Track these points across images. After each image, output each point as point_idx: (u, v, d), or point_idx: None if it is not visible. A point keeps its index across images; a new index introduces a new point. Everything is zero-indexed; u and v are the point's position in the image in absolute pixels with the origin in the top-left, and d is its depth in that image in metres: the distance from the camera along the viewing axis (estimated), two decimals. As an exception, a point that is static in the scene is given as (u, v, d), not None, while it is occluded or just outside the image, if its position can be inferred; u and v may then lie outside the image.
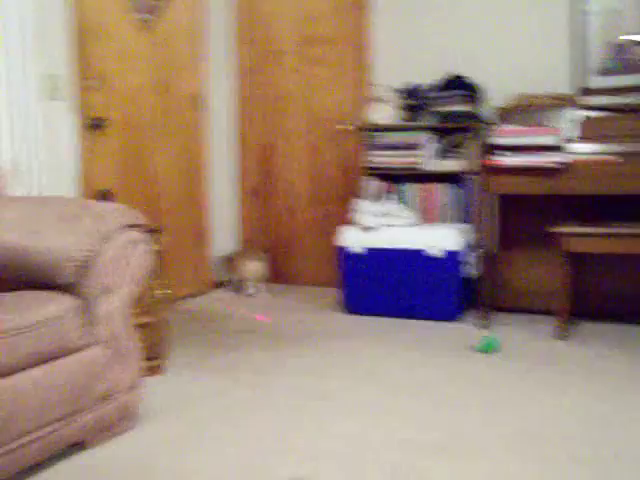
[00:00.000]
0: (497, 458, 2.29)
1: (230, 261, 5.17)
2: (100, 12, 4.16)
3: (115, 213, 2.47)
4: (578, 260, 4.06)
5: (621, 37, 4.26)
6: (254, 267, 5.02)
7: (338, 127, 5.08)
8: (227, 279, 5.22)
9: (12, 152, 3.45)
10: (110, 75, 4.26)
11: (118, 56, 4.32)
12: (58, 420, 2.24)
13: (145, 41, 4.53)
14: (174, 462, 2.31)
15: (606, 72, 4.32)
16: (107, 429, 2.47)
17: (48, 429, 2.20)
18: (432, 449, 2.36)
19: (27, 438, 2.12)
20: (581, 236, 3.64)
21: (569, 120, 4.16)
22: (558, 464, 2.23)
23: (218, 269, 5.30)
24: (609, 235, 3.59)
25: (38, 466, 2.26)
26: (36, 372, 2.17)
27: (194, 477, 2.21)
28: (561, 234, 3.66)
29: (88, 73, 4.09)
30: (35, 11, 3.61)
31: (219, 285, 5.26)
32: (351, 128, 5.08)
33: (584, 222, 3.82)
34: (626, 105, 4.07)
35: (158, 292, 3.23)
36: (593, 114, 4.10)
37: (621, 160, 3.66)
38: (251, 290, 5.00)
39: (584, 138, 3.92)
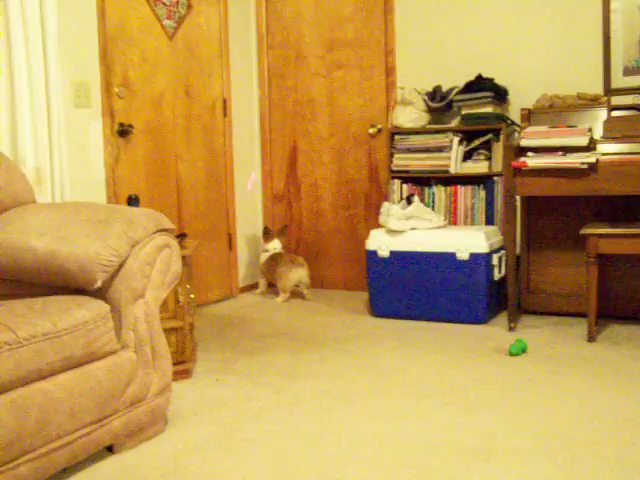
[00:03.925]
0: (528, 460, 2.26)
1: (270, 266, 5.05)
2: (125, 20, 4.20)
3: (144, 218, 2.49)
4: (607, 261, 4.02)
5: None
6: (299, 274, 4.93)
7: (370, 131, 5.07)
8: (264, 284, 5.22)
9: (39, 159, 3.49)
10: (135, 82, 4.29)
11: (143, 63, 4.35)
12: (88, 424, 2.25)
13: (170, 48, 4.56)
14: (203, 465, 2.31)
15: (632, 71, 4.28)
16: (137, 433, 2.48)
17: (79, 433, 2.21)
18: (462, 452, 2.35)
19: (58, 442, 2.14)
20: (610, 237, 3.60)
21: (596, 120, 4.13)
22: (590, 466, 2.21)
23: (251, 273, 5.30)
24: (638, 235, 3.55)
25: (69, 470, 2.28)
26: (66, 377, 2.18)
27: (224, 481, 2.21)
28: (590, 235, 3.62)
29: (114, 80, 4.13)
30: (61, 19, 3.65)
31: (247, 289, 5.28)
32: (377, 131, 5.07)
33: (611, 223, 3.78)
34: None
35: (185, 297, 3.24)
36: (619, 114, 4.07)
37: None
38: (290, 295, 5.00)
39: (611, 138, 3.88)
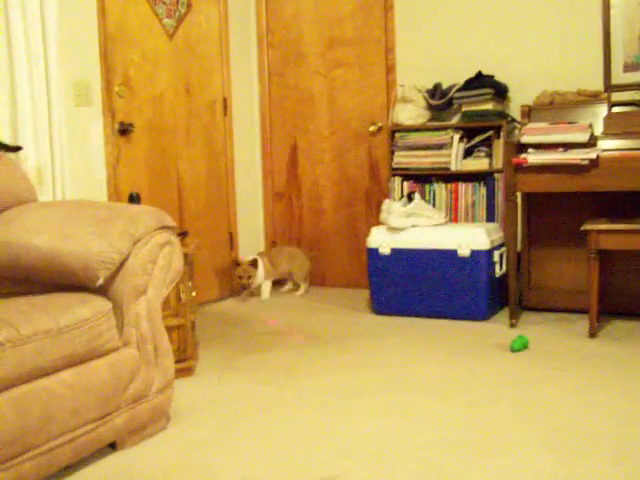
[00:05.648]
0: (529, 456, 2.26)
1: (283, 258, 5.14)
2: (125, 19, 4.20)
3: (146, 216, 2.49)
4: (607, 257, 4.02)
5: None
6: (300, 265, 5.13)
7: (371, 129, 5.07)
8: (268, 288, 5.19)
9: (40, 158, 3.49)
10: (136, 81, 4.29)
11: (143, 62, 4.36)
12: (91, 421, 2.25)
13: (170, 46, 4.56)
14: (205, 462, 2.32)
15: (632, 67, 4.28)
16: (139, 430, 2.48)
17: (81, 430, 2.22)
18: (463, 448, 2.35)
19: (61, 439, 2.14)
20: (611, 233, 3.60)
21: (596, 116, 4.13)
22: (591, 461, 2.21)
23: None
24: (638, 232, 3.55)
25: (71, 467, 2.28)
26: (69, 374, 2.19)
27: (225, 477, 2.21)
28: (591, 231, 3.62)
29: (114, 79, 4.13)
30: (61, 18, 3.65)
31: (246, 288, 5.27)
32: (377, 129, 5.08)
33: (612, 219, 3.78)
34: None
35: (186, 294, 3.24)
36: (620, 110, 4.07)
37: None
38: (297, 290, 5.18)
39: (611, 134, 3.88)
